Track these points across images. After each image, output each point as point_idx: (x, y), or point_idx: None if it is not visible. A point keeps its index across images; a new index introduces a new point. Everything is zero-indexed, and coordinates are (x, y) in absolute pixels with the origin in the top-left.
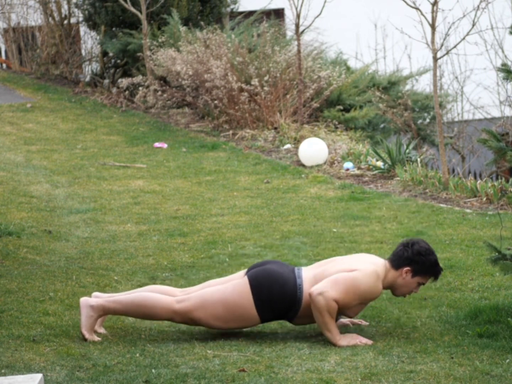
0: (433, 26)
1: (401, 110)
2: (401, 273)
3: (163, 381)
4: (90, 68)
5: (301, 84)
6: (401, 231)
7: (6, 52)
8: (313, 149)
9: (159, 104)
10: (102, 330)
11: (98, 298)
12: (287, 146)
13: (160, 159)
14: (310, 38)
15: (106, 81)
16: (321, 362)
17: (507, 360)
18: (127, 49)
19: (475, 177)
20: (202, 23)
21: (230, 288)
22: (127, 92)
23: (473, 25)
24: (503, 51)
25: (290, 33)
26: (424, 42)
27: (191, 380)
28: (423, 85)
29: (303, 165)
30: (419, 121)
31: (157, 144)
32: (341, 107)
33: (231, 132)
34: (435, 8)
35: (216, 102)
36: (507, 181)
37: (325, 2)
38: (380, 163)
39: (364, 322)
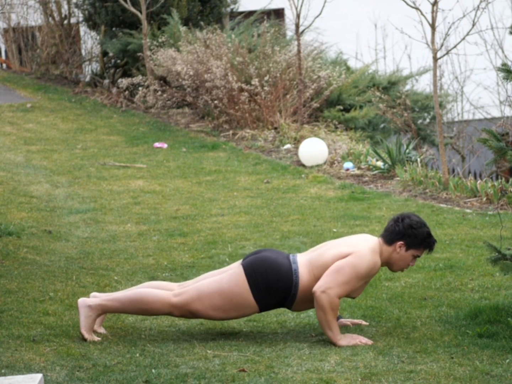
0: (433, 26)
1: (401, 110)
2: (395, 248)
3: (163, 381)
4: (90, 68)
5: (301, 84)
6: None
7: (6, 52)
8: (313, 149)
9: (159, 104)
10: (102, 330)
11: (96, 298)
12: (287, 146)
13: (160, 159)
14: (310, 38)
15: (106, 81)
16: (321, 362)
17: (507, 360)
18: (127, 49)
19: (475, 177)
20: (202, 23)
21: (226, 277)
22: (127, 92)
23: (473, 25)
24: (503, 51)
25: (290, 33)
26: (424, 42)
27: (191, 380)
28: (423, 85)
29: (303, 165)
30: (419, 121)
31: (157, 144)
32: (341, 107)
33: (231, 132)
34: (435, 8)
35: (216, 102)
36: (507, 181)
37: (325, 2)
38: (380, 163)
39: (364, 322)
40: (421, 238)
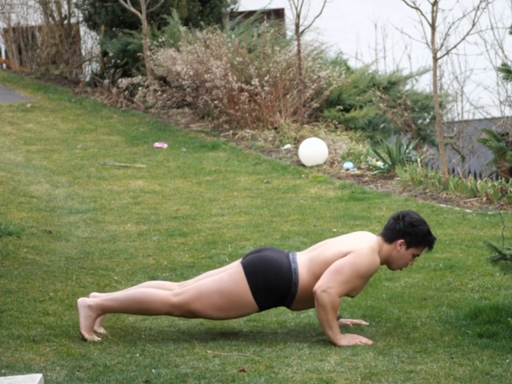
0: (433, 26)
1: (401, 110)
2: (395, 246)
3: (163, 381)
4: (90, 68)
5: (301, 84)
6: None
7: (6, 52)
8: (313, 149)
9: (159, 104)
10: (101, 330)
11: (96, 298)
12: (287, 146)
13: (160, 159)
14: (310, 38)
15: (106, 81)
16: (321, 362)
17: (507, 360)
18: (127, 49)
19: (475, 177)
20: (202, 23)
21: (226, 277)
22: (127, 92)
23: (473, 25)
24: (503, 51)
25: (290, 33)
26: (424, 42)
27: (191, 380)
28: (423, 85)
29: (303, 165)
30: (419, 121)
31: (157, 144)
32: (341, 107)
33: (231, 132)
34: (435, 8)
35: (216, 102)
36: (507, 181)
37: (325, 2)
38: (380, 163)
39: (364, 322)
40: (422, 236)
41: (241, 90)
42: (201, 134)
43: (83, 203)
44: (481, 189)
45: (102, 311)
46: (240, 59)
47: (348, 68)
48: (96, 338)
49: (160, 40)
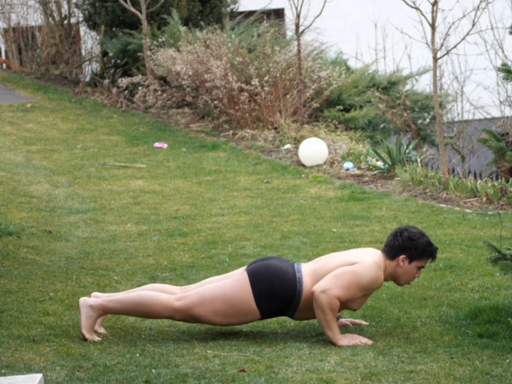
0: (433, 26)
1: (401, 110)
2: (398, 262)
3: (163, 381)
4: (90, 68)
5: (301, 84)
6: None
7: (6, 52)
8: (313, 149)
9: (159, 104)
10: (102, 330)
11: (98, 298)
12: (287, 146)
13: (160, 159)
14: (310, 38)
15: (106, 81)
16: (321, 362)
17: (507, 360)
18: (127, 49)
19: (475, 177)
20: (202, 23)
21: (230, 283)
22: (127, 92)
23: (473, 25)
24: (503, 51)
25: (290, 33)
26: (424, 42)
27: (191, 380)
28: (423, 85)
29: (303, 165)
30: (419, 121)
31: (157, 144)
32: (341, 107)
33: (231, 132)
34: (435, 8)
35: (216, 102)
36: (507, 181)
37: (325, 2)
38: (380, 163)
39: (364, 322)
40: (422, 249)
41: (241, 90)
42: (201, 134)
43: (83, 203)
44: (481, 189)
45: (104, 311)
46: (240, 59)
47: (348, 68)
48: (96, 338)
49: (160, 40)
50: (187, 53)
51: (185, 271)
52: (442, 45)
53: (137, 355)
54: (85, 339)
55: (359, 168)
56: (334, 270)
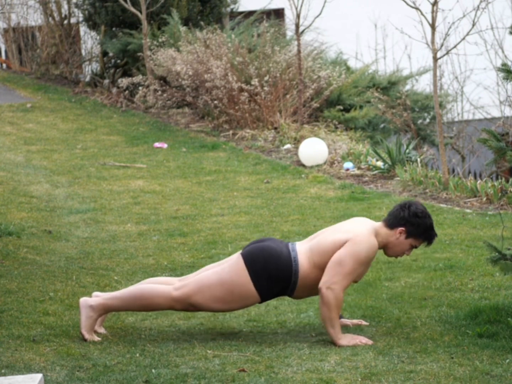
0: (433, 26)
1: (401, 110)
2: (395, 232)
3: (163, 381)
4: (90, 68)
5: (301, 84)
6: None
7: (6, 52)
8: (313, 149)
9: (159, 104)
10: (102, 330)
11: (97, 298)
12: (287, 146)
13: (160, 159)
14: (310, 38)
15: (106, 81)
16: (321, 362)
17: (507, 360)
18: (127, 49)
19: (475, 177)
20: (202, 23)
21: (227, 268)
22: (127, 92)
23: (473, 25)
24: (503, 51)
25: (290, 33)
26: (424, 42)
27: (191, 380)
28: (423, 85)
29: (303, 165)
30: (419, 121)
31: (157, 144)
32: (341, 107)
33: (231, 132)
34: (435, 8)
35: (216, 102)
36: (507, 181)
37: (325, 2)
38: (380, 163)
39: (364, 322)
40: (423, 229)
41: (241, 90)
42: (201, 134)
43: (83, 203)
44: (481, 189)
45: (104, 310)
46: (240, 59)
47: (348, 68)
48: (96, 338)
49: (160, 40)
50: (187, 53)
51: (185, 271)
52: (442, 45)
53: (137, 355)
54: (85, 340)
55: (359, 168)
56: (329, 249)
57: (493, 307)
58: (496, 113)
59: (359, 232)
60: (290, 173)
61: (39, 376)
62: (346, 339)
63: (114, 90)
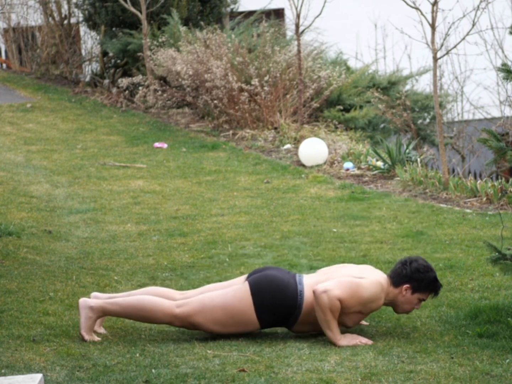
0: (433, 26)
1: (401, 110)
2: (401, 290)
3: (163, 381)
4: (90, 68)
5: (301, 84)
6: (401, 231)
7: (6, 52)
8: (313, 149)
9: (159, 104)
10: (102, 330)
11: (98, 299)
12: (287, 146)
13: (160, 159)
14: (310, 38)
15: (106, 81)
16: (321, 362)
17: (507, 360)
18: (127, 49)
19: (475, 177)
20: (202, 23)
21: (231, 293)
22: (127, 92)
23: (473, 25)
24: (503, 51)
25: (290, 33)
26: (424, 42)
27: (191, 380)
28: (423, 85)
29: (303, 165)
30: (419, 121)
31: (157, 144)
32: (341, 107)
33: (231, 132)
34: (435, 8)
35: (216, 102)
36: (507, 181)
37: (325, 2)
38: (380, 163)
39: (364, 322)
40: (427, 283)
41: (241, 90)
42: (201, 134)
43: (83, 203)
44: (481, 189)
45: (103, 313)
46: (240, 59)
47: (348, 68)
48: (96, 339)
49: (160, 40)
50: (187, 53)
51: (185, 271)
52: (442, 45)
53: (137, 355)
54: (84, 340)
55: (359, 168)
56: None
57: (493, 307)
58: (496, 113)
59: (373, 278)
60: (290, 173)
61: (39, 376)
62: (346, 339)
63: (114, 90)
